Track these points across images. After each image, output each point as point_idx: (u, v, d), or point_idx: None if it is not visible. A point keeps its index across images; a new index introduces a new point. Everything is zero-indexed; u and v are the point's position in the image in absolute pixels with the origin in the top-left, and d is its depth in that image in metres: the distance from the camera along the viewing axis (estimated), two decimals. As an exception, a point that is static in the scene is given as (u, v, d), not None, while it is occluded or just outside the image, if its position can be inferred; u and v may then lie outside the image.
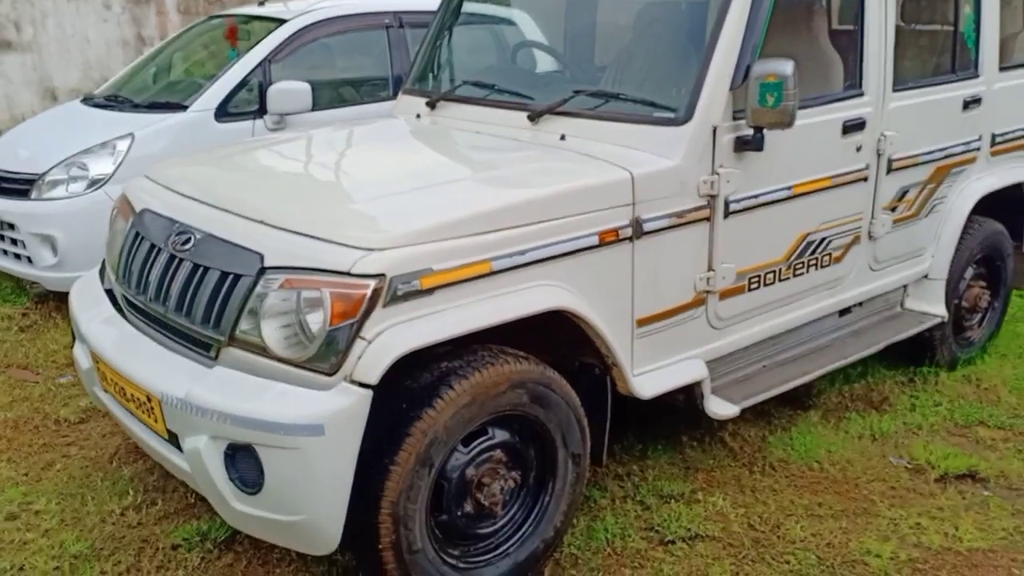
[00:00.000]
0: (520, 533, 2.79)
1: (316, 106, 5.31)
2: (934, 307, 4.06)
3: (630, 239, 2.85)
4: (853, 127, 3.42)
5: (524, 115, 3.29)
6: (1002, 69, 4.10)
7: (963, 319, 4.36)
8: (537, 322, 2.66)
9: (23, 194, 4.94)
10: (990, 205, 4.19)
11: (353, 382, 2.34)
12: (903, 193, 3.76)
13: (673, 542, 3.02)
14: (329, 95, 5.66)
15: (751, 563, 2.93)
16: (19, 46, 9.45)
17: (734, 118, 3.01)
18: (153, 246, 2.83)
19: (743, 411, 3.25)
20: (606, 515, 3.15)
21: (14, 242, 4.98)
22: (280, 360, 2.43)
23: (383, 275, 2.35)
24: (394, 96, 5.34)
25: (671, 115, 2.99)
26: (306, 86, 5.20)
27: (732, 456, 3.55)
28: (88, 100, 5.76)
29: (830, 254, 3.52)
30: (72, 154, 4.92)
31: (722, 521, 3.14)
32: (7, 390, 4.13)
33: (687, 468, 3.46)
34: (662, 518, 3.14)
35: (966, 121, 3.95)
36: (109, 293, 3.13)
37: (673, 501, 3.24)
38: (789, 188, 3.25)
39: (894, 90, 3.58)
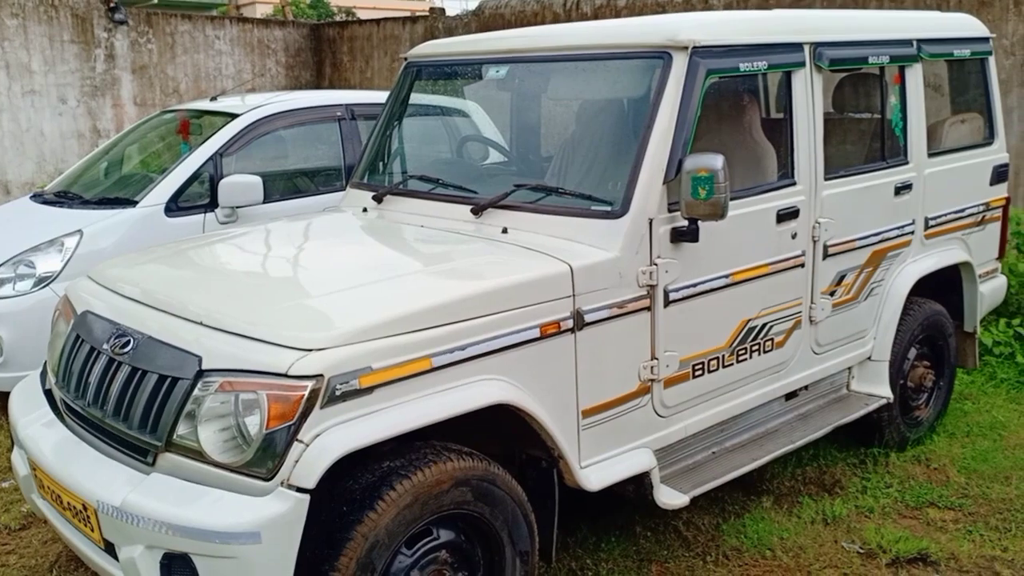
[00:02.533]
0: (469, 636, 2.74)
1: (270, 197, 5.34)
2: (879, 388, 4.13)
3: (572, 330, 2.89)
4: (787, 215, 3.52)
5: (468, 208, 3.35)
6: (931, 155, 4.26)
7: (909, 399, 4.42)
8: (482, 416, 2.66)
9: (-32, 293, 4.87)
10: (929, 286, 4.31)
11: (291, 486, 2.31)
12: (841, 277, 3.85)
13: (626, 637, 2.98)
14: (283, 186, 5.71)
15: (704, 657, 2.89)
16: (-27, 140, 9.47)
17: (669, 210, 3.09)
18: (93, 349, 2.81)
19: (696, 498, 3.25)
20: (558, 611, 3.10)
21: (-42, 341, 4.89)
22: (217, 465, 2.40)
23: (321, 375, 2.35)
24: (346, 187, 5.42)
25: (608, 208, 3.07)
26: (257, 179, 5.24)
27: (686, 546, 3.53)
28: (38, 197, 5.75)
29: (772, 339, 3.58)
30: (19, 252, 4.88)
31: (675, 614, 3.11)
32: (-56, 497, 4.00)
33: (640, 560, 3.44)
34: (614, 613, 3.10)
35: (899, 206, 4.09)
36: (48, 395, 3.08)
37: (626, 595, 3.21)
38: (727, 276, 3.32)
39: (826, 178, 3.70)
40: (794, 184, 3.59)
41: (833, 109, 4.33)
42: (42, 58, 9.84)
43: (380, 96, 6.35)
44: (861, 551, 3.50)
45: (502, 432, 2.92)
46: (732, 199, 3.08)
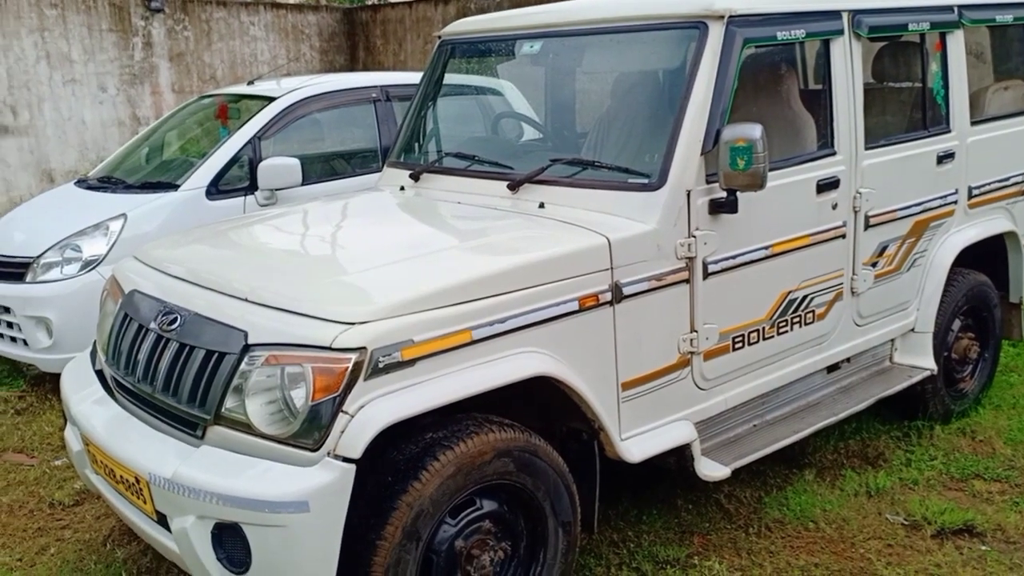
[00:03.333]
0: (512, 605, 2.77)
1: (306, 180, 5.40)
2: (923, 360, 4.08)
3: (610, 303, 2.89)
4: (827, 186, 3.49)
5: (504, 185, 3.36)
6: (974, 123, 4.18)
7: (954, 371, 4.37)
8: (522, 389, 2.69)
9: (18, 277, 4.99)
10: (973, 257, 4.24)
11: (337, 457, 2.35)
12: (883, 248, 3.81)
13: (668, 608, 2.99)
14: (319, 168, 5.77)
15: (747, 626, 2.90)
16: (16, 130, 9.67)
17: (707, 181, 3.08)
18: (141, 327, 2.87)
19: (737, 471, 3.25)
20: (600, 582, 3.13)
21: (10, 325, 5.02)
22: (265, 437, 2.44)
23: (364, 348, 2.39)
24: (382, 167, 5.45)
25: (645, 180, 3.06)
26: (295, 162, 5.30)
27: (728, 518, 3.53)
28: (82, 182, 5.87)
29: (813, 311, 3.56)
30: (66, 236, 4.99)
31: (718, 585, 3.12)
32: (2, 474, 4.12)
33: (683, 532, 3.44)
34: (657, 584, 3.11)
35: (941, 175, 4.02)
36: (99, 374, 3.16)
37: (669, 567, 3.22)
38: (767, 247, 3.30)
39: (866, 148, 3.65)
40: (834, 154, 3.55)
41: (873, 78, 4.26)
42: (81, 47, 9.99)
43: (415, 77, 6.36)
44: (906, 523, 3.48)
45: (542, 405, 2.94)
46: (771, 169, 3.05)
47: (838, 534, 3.41)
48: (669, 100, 3.21)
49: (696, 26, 3.14)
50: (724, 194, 3.07)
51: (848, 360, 3.88)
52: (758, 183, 2.94)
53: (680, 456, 3.16)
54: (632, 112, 3.54)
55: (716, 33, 3.10)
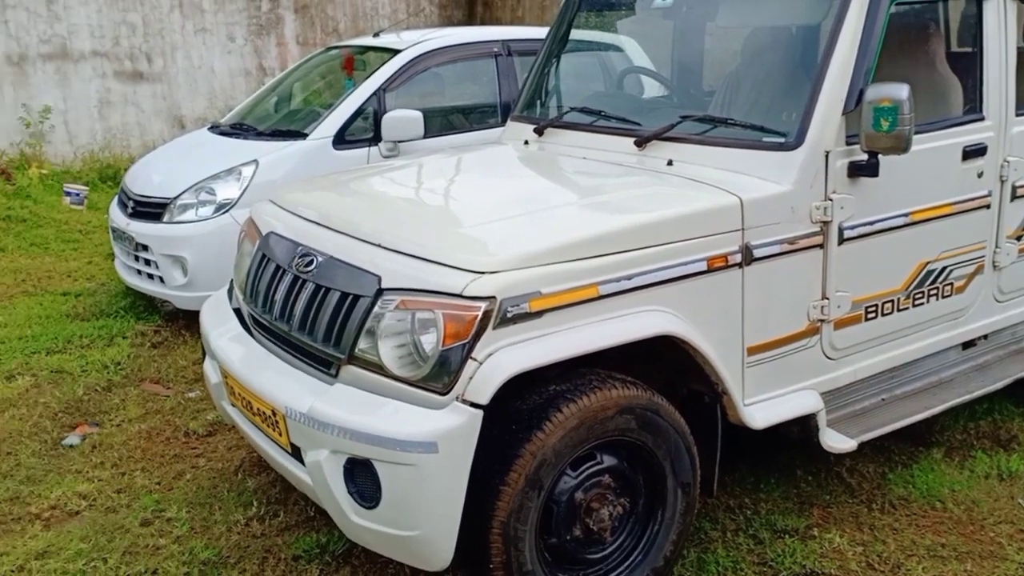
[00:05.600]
0: (629, 561, 2.79)
1: (427, 133, 5.47)
2: (1066, 341, 3.87)
3: (740, 265, 2.84)
4: (974, 152, 3.32)
5: (631, 141, 3.32)
6: None
7: (1098, 353, 4.12)
8: (645, 348, 2.68)
9: (156, 217, 5.26)
10: None
11: (465, 402, 2.40)
12: (1030, 221, 3.61)
13: (785, 576, 2.96)
14: (440, 122, 5.83)
15: (866, 600, 2.85)
16: (150, 77, 10.09)
17: (847, 143, 2.97)
18: (278, 267, 2.98)
19: (861, 446, 3.16)
20: (717, 547, 3.11)
21: (147, 263, 5.29)
22: (396, 379, 2.52)
23: (493, 297, 2.42)
24: (502, 123, 5.46)
25: (781, 140, 2.97)
26: (418, 114, 5.37)
27: (849, 492, 3.46)
28: (215, 128, 6.10)
29: (951, 284, 3.41)
30: (201, 179, 5.22)
31: (839, 559, 3.06)
32: (140, 403, 4.38)
33: (802, 503, 3.39)
34: (775, 553, 3.08)
35: (1100, 145, 3.76)
36: (237, 312, 3.30)
37: (787, 536, 3.17)
38: (907, 215, 3.18)
39: (1017, 114, 3.45)
40: (982, 119, 3.38)
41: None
42: (212, -3, 10.31)
43: (537, 32, 6.34)
44: (1039, 508, 3.34)
45: (664, 365, 2.92)
46: (915, 133, 2.92)
47: (967, 516, 3.29)
48: (809, 57, 3.10)
49: (844, -20, 3.00)
50: (864, 156, 2.95)
51: (985, 337, 3.72)
52: (902, 146, 2.83)
53: (804, 426, 3.10)
54: (767, 69, 3.43)
55: (865, -12, 2.96)
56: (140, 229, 5.29)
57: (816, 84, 2.96)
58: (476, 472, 2.42)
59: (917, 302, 3.32)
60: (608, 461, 2.69)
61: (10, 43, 9.14)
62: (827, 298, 3.04)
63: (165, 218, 5.22)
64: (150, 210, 5.32)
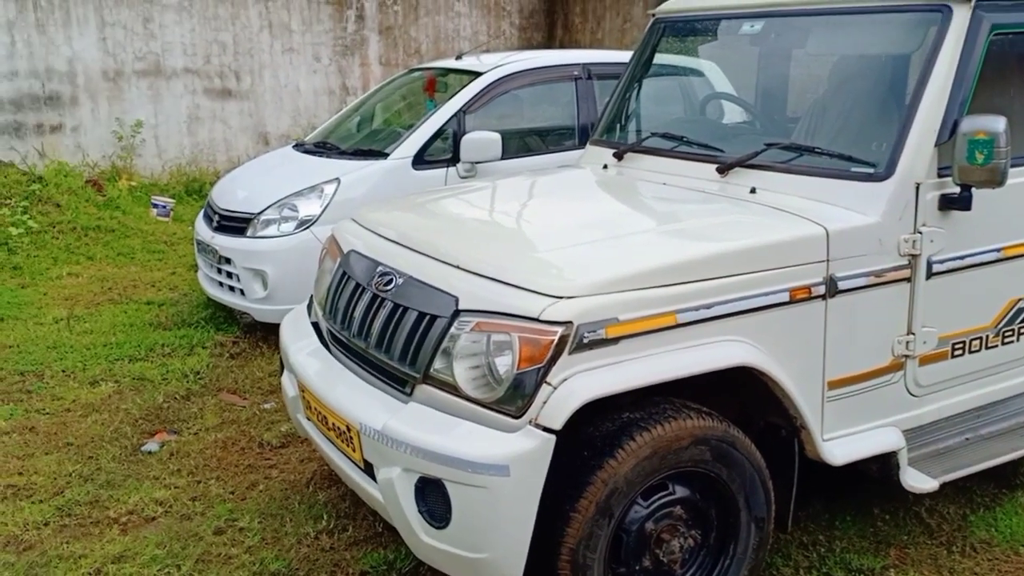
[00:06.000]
0: (698, 594, 2.74)
1: (505, 154, 5.51)
2: None
3: (823, 297, 2.78)
4: (1072, 187, 3.18)
5: (713, 167, 3.29)
6: None
7: None
8: (723, 378, 2.64)
9: (240, 231, 5.40)
10: None
11: (538, 426, 2.40)
12: None
13: (859, 618, 2.87)
14: (517, 144, 5.86)
15: (947, 650, 2.74)
16: (238, 94, 10.40)
17: (939, 175, 2.89)
18: (358, 285, 3.03)
19: (942, 486, 3.05)
20: (787, 583, 3.04)
21: (229, 275, 5.44)
22: (470, 400, 2.53)
23: (570, 323, 2.41)
24: (580, 145, 5.46)
25: (870, 170, 2.91)
26: (496, 136, 5.41)
27: (928, 533, 3.33)
28: (299, 146, 6.25)
29: (1045, 322, 3.27)
30: (284, 196, 5.34)
31: (915, 601, 2.95)
32: (217, 412, 4.49)
33: (878, 542, 3.28)
34: (848, 591, 2.99)
35: None
36: (315, 327, 3.36)
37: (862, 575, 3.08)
38: (999, 250, 3.07)
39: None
40: (1082, 153, 3.24)
41: None
42: (300, 18, 10.60)
43: (617, 56, 6.35)
44: None
45: (741, 397, 2.87)
46: (1011, 166, 2.82)
47: (1054, 564, 3.15)
48: (901, 86, 3.03)
49: (939, 9, 2.94)
50: (957, 189, 2.87)
51: (1078, 378, 3.55)
52: (997, 179, 2.74)
53: (884, 463, 3.00)
54: (855, 97, 3.36)
55: (962, 17, 2.90)
56: (224, 242, 5.43)
57: (909, 114, 2.89)
58: (547, 497, 2.41)
59: (1007, 340, 3.20)
60: (680, 492, 2.65)
61: (107, 59, 9.54)
62: (913, 333, 2.95)
63: (248, 232, 5.36)
64: (234, 224, 5.46)
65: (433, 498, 2.50)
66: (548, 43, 12.66)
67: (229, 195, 5.76)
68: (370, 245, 3.18)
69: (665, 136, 3.75)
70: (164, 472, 3.86)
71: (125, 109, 9.71)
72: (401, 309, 2.77)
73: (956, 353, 3.09)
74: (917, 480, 3.00)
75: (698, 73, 5.54)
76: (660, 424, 2.55)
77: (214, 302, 5.78)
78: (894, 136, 2.89)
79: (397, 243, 3.10)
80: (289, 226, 5.24)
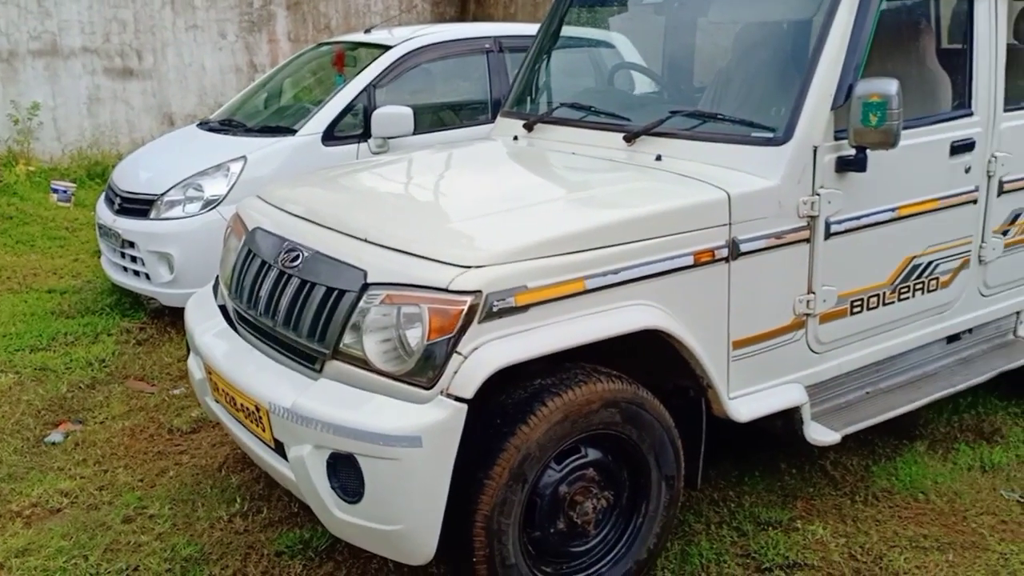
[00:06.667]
0: (613, 553, 2.79)
1: (417, 129, 5.45)
2: (1051, 335, 3.88)
3: (726, 260, 2.84)
4: (961, 148, 3.32)
5: (620, 136, 3.32)
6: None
7: (1083, 348, 4.14)
8: (630, 342, 2.67)
9: (143, 214, 5.23)
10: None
11: (449, 396, 2.39)
12: (1015, 216, 3.62)
13: (770, 570, 2.97)
14: (430, 118, 5.81)
15: (851, 594, 2.85)
16: (140, 73, 10.05)
17: (835, 138, 2.97)
18: (264, 263, 2.96)
19: (845, 439, 3.17)
20: (701, 540, 3.11)
21: (134, 259, 5.27)
22: (380, 373, 2.50)
23: (479, 292, 2.41)
24: (493, 119, 5.44)
25: (770, 135, 2.97)
26: (408, 111, 5.35)
27: (833, 484, 3.46)
28: (204, 124, 6.07)
29: (937, 278, 3.41)
30: (189, 176, 5.19)
31: (822, 550, 3.06)
32: (125, 400, 4.36)
33: (785, 495, 3.39)
34: (759, 545, 3.08)
35: (1086, 141, 3.77)
36: (222, 308, 3.28)
37: (770, 528, 3.18)
38: (893, 210, 3.18)
39: (1005, 110, 3.46)
40: (970, 115, 3.38)
41: (1015, 38, 4.01)
42: (204, -6, 10.27)
43: (528, 29, 6.32)
44: (1022, 500, 3.34)
45: (649, 359, 2.92)
46: (903, 128, 2.92)
47: (949, 507, 3.31)
48: (799, 52, 3.10)
49: (832, -25, 3.00)
50: (852, 152, 2.96)
51: (970, 331, 3.73)
52: (890, 141, 2.83)
53: (788, 419, 3.10)
54: (757, 64, 3.43)
55: (853, -17, 2.96)
56: (126, 226, 5.26)
57: (805, 79, 2.96)
58: (460, 466, 2.41)
59: (903, 296, 3.32)
60: (592, 454, 2.69)
61: (0, 39, 9.09)
62: (813, 292, 3.04)
63: (152, 215, 5.19)
64: (137, 207, 5.28)
65: (345, 473, 2.47)
66: (461, 17, 12.56)
67: (131, 177, 5.57)
68: (276, 221, 3.11)
69: (574, 106, 3.77)
70: (69, 463, 3.73)
71: (20, 91, 9.28)
72: (308, 285, 2.72)
73: (855, 310, 3.20)
74: (820, 434, 3.11)
75: (608, 45, 5.57)
76: (571, 389, 2.57)
77: (119, 288, 5.60)
78: (792, 101, 2.96)
79: (304, 218, 3.04)
80: (194, 207, 5.09)
